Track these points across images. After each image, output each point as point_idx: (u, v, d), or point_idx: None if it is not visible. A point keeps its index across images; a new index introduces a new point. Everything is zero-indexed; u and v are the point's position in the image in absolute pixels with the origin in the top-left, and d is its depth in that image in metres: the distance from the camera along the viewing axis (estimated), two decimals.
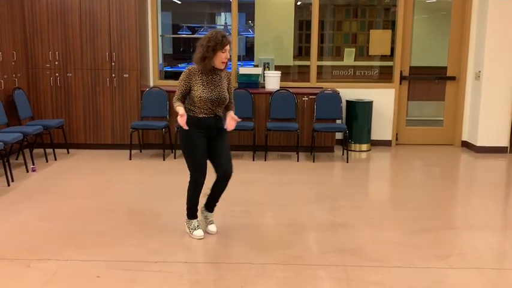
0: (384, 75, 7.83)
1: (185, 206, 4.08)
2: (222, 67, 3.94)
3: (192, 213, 4.09)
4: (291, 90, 7.06)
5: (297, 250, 3.85)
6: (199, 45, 3.88)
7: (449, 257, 3.76)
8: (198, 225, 4.08)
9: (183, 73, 3.91)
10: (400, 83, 7.55)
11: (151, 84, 7.49)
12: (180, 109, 3.82)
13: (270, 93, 7.01)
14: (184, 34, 12.27)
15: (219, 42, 3.81)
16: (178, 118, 3.77)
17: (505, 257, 3.84)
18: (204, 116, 3.91)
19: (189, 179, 3.99)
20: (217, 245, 3.96)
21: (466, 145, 7.54)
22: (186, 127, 3.79)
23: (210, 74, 3.91)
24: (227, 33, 3.93)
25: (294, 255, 3.77)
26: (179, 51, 13.60)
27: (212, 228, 4.15)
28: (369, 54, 7.92)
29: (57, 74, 6.98)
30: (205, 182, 3.99)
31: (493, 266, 3.67)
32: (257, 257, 3.74)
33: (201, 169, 3.93)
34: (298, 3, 8.28)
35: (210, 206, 4.19)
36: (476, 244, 4.05)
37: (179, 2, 12.22)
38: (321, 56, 7.98)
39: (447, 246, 3.99)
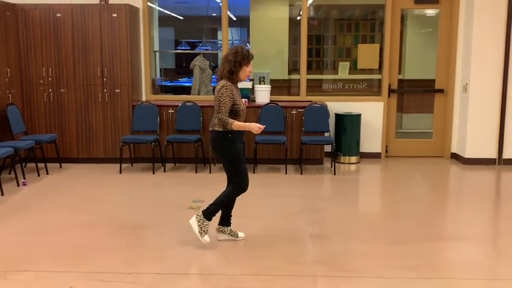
0: (376, 88, 7.92)
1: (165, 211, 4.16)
2: (246, 80, 4.17)
3: (212, 214, 4.14)
4: (280, 103, 7.16)
5: (270, 261, 3.92)
6: (225, 60, 4.02)
7: (419, 267, 3.81)
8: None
9: (222, 90, 3.95)
10: (389, 96, 7.62)
11: (144, 99, 7.61)
12: (242, 123, 4.00)
13: (260, 107, 7.11)
14: (182, 49, 12.43)
15: (246, 57, 4.01)
16: (255, 128, 3.97)
17: (475, 267, 3.86)
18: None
19: (231, 188, 4.14)
20: (192, 257, 4.03)
21: (455, 157, 7.57)
22: (262, 126, 4.01)
23: (236, 87, 4.11)
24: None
25: (266, 266, 3.83)
26: (181, 66, 13.78)
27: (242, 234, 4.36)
28: (358, 67, 8.01)
29: (50, 90, 7.14)
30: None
31: (462, 276, 3.71)
32: (230, 268, 3.81)
33: (247, 177, 4.16)
34: (298, 18, 8.40)
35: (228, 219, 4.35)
36: (449, 255, 4.09)
37: (181, 18, 12.39)
38: (318, 69, 8.08)
39: (420, 257, 4.03)
